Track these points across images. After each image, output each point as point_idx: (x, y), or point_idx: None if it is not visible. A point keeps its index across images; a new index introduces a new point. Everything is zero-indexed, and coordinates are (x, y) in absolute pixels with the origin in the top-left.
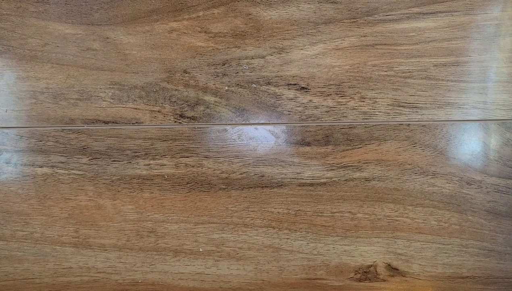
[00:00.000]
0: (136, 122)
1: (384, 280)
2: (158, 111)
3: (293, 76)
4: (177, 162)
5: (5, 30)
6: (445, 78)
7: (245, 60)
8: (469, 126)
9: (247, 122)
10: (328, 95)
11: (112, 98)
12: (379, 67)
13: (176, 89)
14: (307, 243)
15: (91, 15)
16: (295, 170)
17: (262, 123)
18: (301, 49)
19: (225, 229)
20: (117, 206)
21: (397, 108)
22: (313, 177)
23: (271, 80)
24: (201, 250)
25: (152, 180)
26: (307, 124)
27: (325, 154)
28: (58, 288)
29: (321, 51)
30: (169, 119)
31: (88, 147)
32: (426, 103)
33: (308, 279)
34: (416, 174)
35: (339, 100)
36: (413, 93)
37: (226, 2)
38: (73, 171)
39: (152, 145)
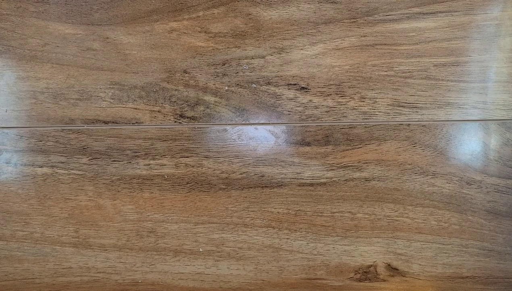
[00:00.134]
0: (136, 122)
1: (384, 280)
2: (158, 111)
3: (293, 76)
4: (177, 162)
5: (5, 30)
6: (445, 78)
7: (245, 60)
8: (469, 126)
9: (247, 122)
10: (328, 95)
11: (112, 98)
12: (379, 67)
13: (176, 89)
14: (307, 243)
15: (91, 15)
16: (295, 170)
17: (262, 123)
18: (301, 49)
19: (225, 229)
20: (117, 206)
21: (397, 108)
22: (313, 177)
23: (271, 80)
24: (201, 250)
25: (152, 180)
26: (307, 124)
27: (325, 154)
28: (58, 288)
29: (321, 51)
30: (169, 119)
31: (88, 147)
32: (426, 103)
33: (308, 279)
34: (416, 174)
35: (339, 100)
36: (413, 93)
37: (226, 2)
38: (73, 171)
39: (152, 145)
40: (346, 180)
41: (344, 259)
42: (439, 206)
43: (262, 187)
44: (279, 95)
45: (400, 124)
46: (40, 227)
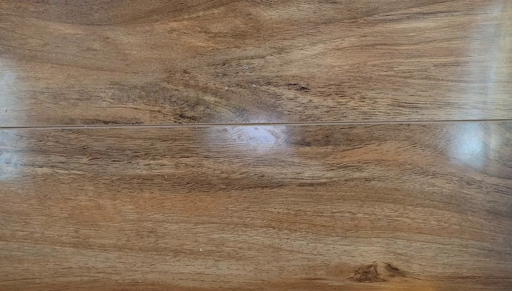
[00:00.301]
0: (136, 122)
1: (384, 280)
2: (158, 111)
3: (293, 76)
4: (177, 162)
5: (5, 30)
6: (445, 78)
7: (245, 60)
8: (469, 126)
9: (247, 122)
10: (328, 95)
11: (112, 98)
12: (379, 67)
13: (176, 89)
14: (307, 243)
15: (91, 15)
16: (295, 170)
17: (262, 123)
18: (301, 49)
19: (225, 229)
20: (117, 206)
21: (397, 108)
22: (313, 177)
23: (271, 80)
24: (201, 250)
25: (152, 180)
26: (307, 124)
27: (325, 154)
28: (58, 288)
29: (321, 51)
30: (169, 119)
31: (88, 147)
32: (426, 103)
33: (308, 279)
34: (416, 174)
35: (339, 100)
36: (413, 93)
37: (226, 2)
38: (73, 171)
39: (152, 145)
40: (346, 180)
41: (344, 259)
42: (439, 206)
43: (262, 187)
44: (279, 95)
45: (400, 124)
46: (40, 227)
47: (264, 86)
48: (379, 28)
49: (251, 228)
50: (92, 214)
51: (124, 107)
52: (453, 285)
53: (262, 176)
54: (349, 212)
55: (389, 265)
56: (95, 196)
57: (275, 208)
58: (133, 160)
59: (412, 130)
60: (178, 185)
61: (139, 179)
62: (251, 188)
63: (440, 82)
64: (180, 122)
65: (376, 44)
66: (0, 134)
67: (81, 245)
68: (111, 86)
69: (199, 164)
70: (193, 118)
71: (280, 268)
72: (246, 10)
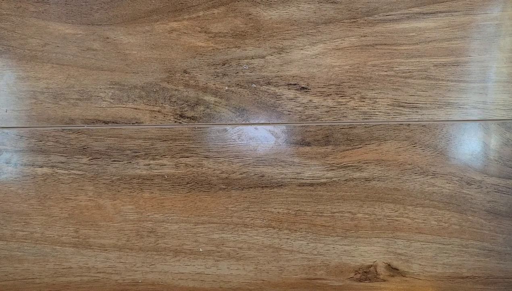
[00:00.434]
0: (136, 122)
1: (384, 280)
2: (158, 111)
3: (293, 76)
4: (177, 162)
5: (5, 30)
6: (445, 78)
7: (245, 60)
8: (469, 126)
9: (247, 122)
10: (328, 95)
11: (112, 98)
12: (379, 67)
13: (176, 89)
14: (307, 243)
15: (91, 15)
16: (295, 170)
17: (262, 123)
18: (301, 49)
19: (225, 229)
20: (117, 206)
21: (397, 108)
22: (313, 177)
23: (271, 80)
24: (201, 250)
25: (152, 180)
26: (307, 124)
27: (325, 154)
28: (58, 288)
29: (321, 51)
30: (169, 119)
31: (88, 147)
32: (426, 103)
33: (308, 279)
34: (416, 174)
35: (339, 100)
36: (413, 93)
37: (226, 2)
38: (73, 171)
39: (152, 145)
40: (346, 180)
41: (344, 259)
42: (439, 206)
43: (262, 187)
44: (279, 95)
45: (400, 124)
46: (40, 227)
47: (264, 86)
48: (379, 28)
49: (251, 228)
50: (92, 214)
51: (124, 107)
52: (453, 285)
53: (262, 176)
54: (349, 212)
55: (389, 265)
56: (95, 196)
57: (275, 208)
58: (133, 160)
59: (412, 130)
60: (178, 185)
61: (139, 179)
62: (251, 188)
63: (440, 82)
64: (180, 122)
65: (376, 44)
66: (0, 134)
67: (81, 245)
68: (111, 86)
69: (199, 164)
70: (193, 118)
71: (280, 268)
72: (246, 10)
